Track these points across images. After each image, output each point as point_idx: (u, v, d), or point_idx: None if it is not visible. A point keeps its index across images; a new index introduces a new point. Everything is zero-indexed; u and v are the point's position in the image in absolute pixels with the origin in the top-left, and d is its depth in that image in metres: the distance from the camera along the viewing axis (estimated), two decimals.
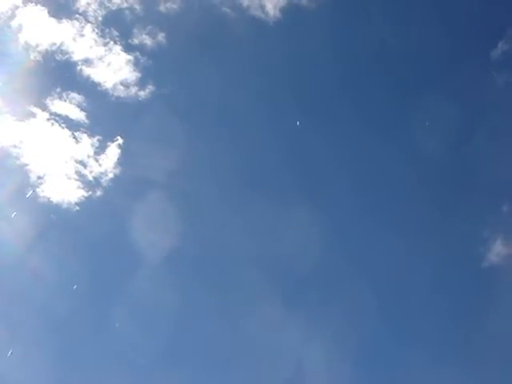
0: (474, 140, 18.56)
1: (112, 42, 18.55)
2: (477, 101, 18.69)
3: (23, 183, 17.80)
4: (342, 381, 16.44)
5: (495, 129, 17.96)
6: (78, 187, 18.10)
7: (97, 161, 18.33)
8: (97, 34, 18.55)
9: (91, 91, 18.57)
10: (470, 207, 18.24)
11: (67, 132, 18.25)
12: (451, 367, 15.63)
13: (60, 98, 18.17)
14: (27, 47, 18.36)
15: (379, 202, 18.64)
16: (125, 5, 18.56)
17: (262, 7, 18.79)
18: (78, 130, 18.32)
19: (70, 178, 18.23)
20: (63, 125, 18.26)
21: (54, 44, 18.34)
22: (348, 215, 18.64)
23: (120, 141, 18.33)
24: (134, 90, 18.50)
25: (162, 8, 19.03)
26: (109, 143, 18.35)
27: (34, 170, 18.23)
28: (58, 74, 18.99)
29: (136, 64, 18.78)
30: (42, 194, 17.81)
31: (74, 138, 18.26)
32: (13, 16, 18.02)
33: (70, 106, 18.10)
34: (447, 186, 18.85)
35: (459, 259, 18.45)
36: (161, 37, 18.91)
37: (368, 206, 18.68)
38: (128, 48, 19.00)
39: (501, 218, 17.99)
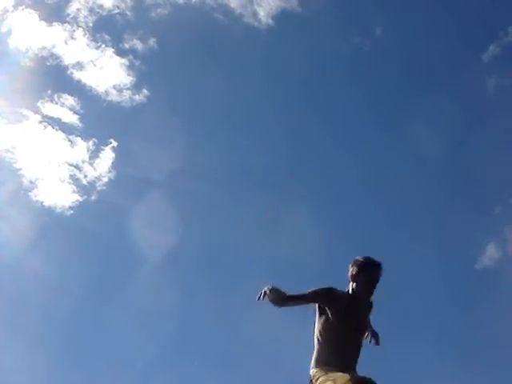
0: (466, 143, 18.65)
1: (104, 45, 18.45)
2: (468, 104, 18.78)
3: (16, 187, 17.74)
4: None
5: (487, 132, 18.03)
6: (73, 191, 18.01)
7: (91, 165, 18.23)
8: (88, 38, 18.42)
9: (84, 94, 18.47)
10: (463, 209, 18.32)
11: (60, 135, 18.12)
12: (446, 367, 15.69)
13: (52, 100, 18.02)
14: (17, 50, 18.22)
15: (374, 205, 18.74)
16: (116, 10, 18.44)
17: (255, 15, 18.73)
18: (72, 134, 18.18)
19: (63, 182, 18.13)
20: (56, 127, 18.14)
21: (45, 47, 18.16)
22: (347, 217, 18.75)
23: (114, 145, 18.22)
24: (127, 93, 18.40)
25: (153, 14, 18.90)
26: (103, 147, 18.25)
27: (27, 173, 18.17)
28: (50, 77, 18.88)
29: (129, 68, 18.72)
30: (35, 199, 17.73)
31: (68, 141, 18.15)
32: (3, 19, 17.86)
33: (62, 109, 17.95)
34: (440, 188, 18.93)
35: (453, 261, 18.53)
36: (152, 42, 18.79)
37: (362, 209, 18.79)
38: (120, 52, 18.94)
39: (494, 220, 18.07)
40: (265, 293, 4.63)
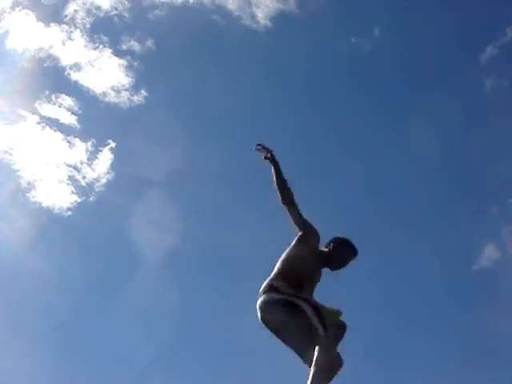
0: (464, 143, 18.69)
1: (101, 46, 18.40)
2: (466, 104, 18.81)
3: (14, 188, 17.70)
4: (341, 381, 16.55)
5: (485, 132, 18.05)
6: (72, 192, 17.99)
7: (90, 166, 18.20)
8: (85, 39, 18.37)
9: (82, 95, 18.43)
10: (461, 210, 18.36)
11: (59, 136, 18.06)
12: (444, 367, 15.74)
13: (49, 101, 17.95)
14: (15, 51, 18.16)
15: (372, 206, 18.78)
16: (113, 12, 18.39)
17: (253, 16, 18.71)
18: (70, 135, 18.13)
19: (61, 183, 18.09)
20: (54, 128, 18.10)
21: (43, 48, 18.09)
22: (346, 217, 18.80)
23: (113, 146, 18.16)
24: (125, 94, 18.36)
25: (150, 15, 18.86)
26: (101, 148, 18.22)
27: (25, 175, 18.16)
28: (48, 78, 18.83)
29: (127, 69, 18.70)
30: (33, 200, 17.71)
31: (67, 142, 18.10)
32: (0, 20, 17.78)
33: (60, 110, 17.87)
34: (438, 188, 18.97)
35: (451, 262, 18.58)
36: (150, 43, 18.76)
37: (361, 209, 18.83)
38: (118, 53, 18.91)
39: (492, 221, 18.11)
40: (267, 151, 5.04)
